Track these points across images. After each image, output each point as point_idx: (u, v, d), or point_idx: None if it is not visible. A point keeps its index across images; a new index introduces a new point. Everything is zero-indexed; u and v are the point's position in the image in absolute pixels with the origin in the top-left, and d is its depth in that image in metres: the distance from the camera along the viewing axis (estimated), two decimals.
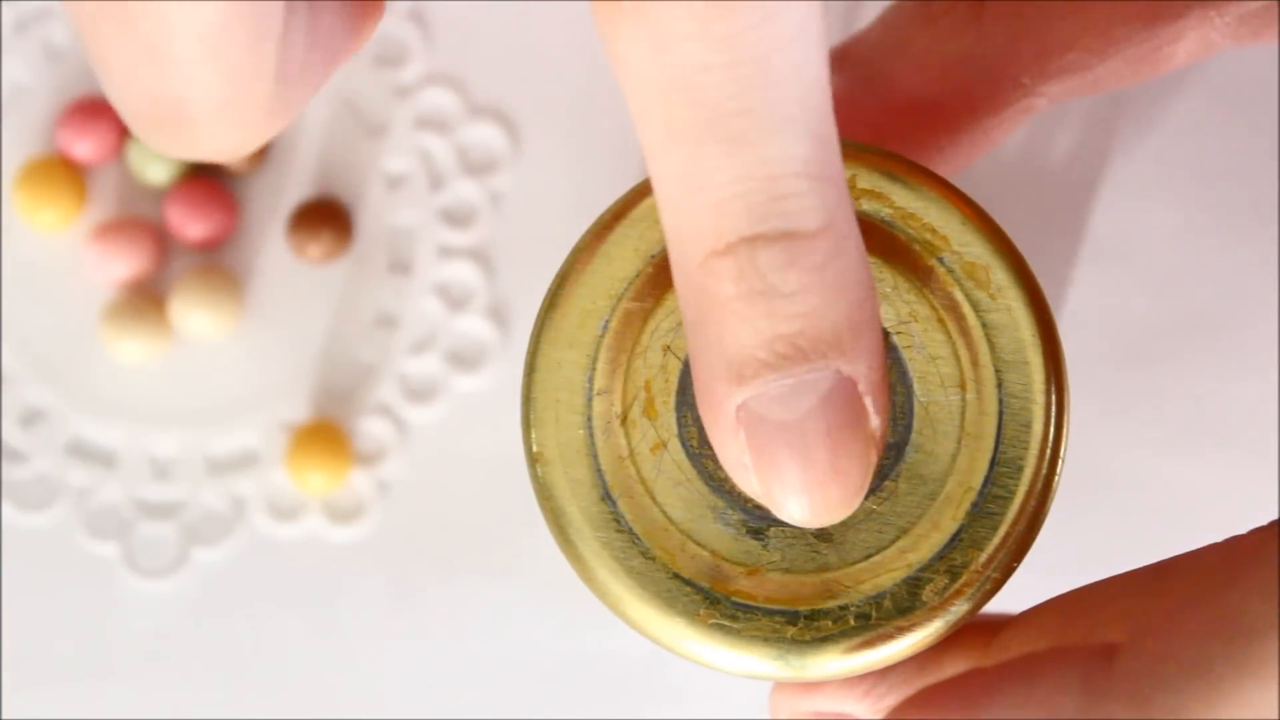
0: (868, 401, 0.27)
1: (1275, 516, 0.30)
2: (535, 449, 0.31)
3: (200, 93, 0.26)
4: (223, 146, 0.27)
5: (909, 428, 0.31)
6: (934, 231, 0.31)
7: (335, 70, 0.28)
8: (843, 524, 0.31)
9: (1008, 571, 0.31)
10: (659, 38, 0.25)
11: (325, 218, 0.46)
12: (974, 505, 0.31)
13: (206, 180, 0.46)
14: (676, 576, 0.31)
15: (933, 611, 0.31)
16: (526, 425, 0.31)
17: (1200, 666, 0.28)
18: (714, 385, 0.27)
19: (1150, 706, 0.28)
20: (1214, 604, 0.29)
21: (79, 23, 0.26)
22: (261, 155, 0.46)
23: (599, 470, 0.31)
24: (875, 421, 0.28)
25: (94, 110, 0.46)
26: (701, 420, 0.28)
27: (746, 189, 0.26)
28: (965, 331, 0.31)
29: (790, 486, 0.28)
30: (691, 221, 0.26)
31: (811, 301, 0.26)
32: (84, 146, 0.46)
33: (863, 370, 0.27)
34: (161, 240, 0.46)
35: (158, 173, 0.46)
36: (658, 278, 0.31)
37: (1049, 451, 0.31)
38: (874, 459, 0.28)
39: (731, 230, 0.26)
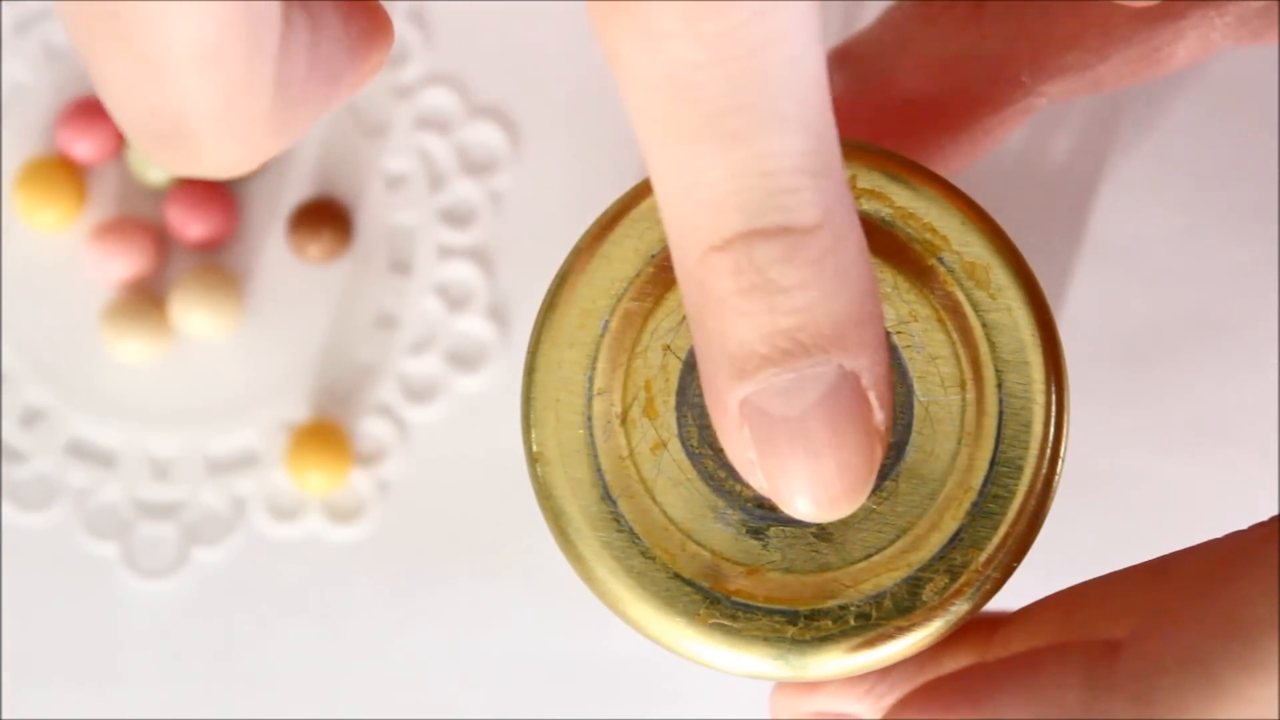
0: (871, 396, 0.27)
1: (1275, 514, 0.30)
2: (535, 449, 0.31)
3: (197, 107, 0.26)
4: (223, 162, 0.27)
5: (909, 428, 0.31)
6: (934, 231, 0.31)
7: (343, 94, 0.28)
8: (843, 523, 0.31)
9: (1008, 571, 0.31)
10: (649, 36, 0.25)
11: (325, 218, 0.46)
12: (974, 505, 0.31)
13: (206, 180, 0.46)
14: (676, 576, 0.31)
15: (933, 611, 0.31)
16: (526, 425, 0.31)
17: (1201, 664, 0.28)
18: (717, 380, 0.27)
19: (1152, 705, 0.28)
20: (1215, 601, 0.29)
21: (75, 35, 0.26)
22: None
23: (599, 470, 0.31)
24: (879, 416, 0.28)
25: (94, 110, 0.46)
26: (709, 418, 0.28)
27: (743, 185, 0.26)
28: (965, 331, 0.31)
29: (795, 482, 0.28)
30: (689, 219, 0.26)
31: (811, 296, 0.26)
32: (84, 146, 0.46)
33: (865, 365, 0.27)
34: (161, 240, 0.46)
35: (158, 173, 0.46)
36: (658, 277, 0.31)
37: (1049, 451, 0.31)
38: (879, 454, 0.28)
39: (729, 226, 0.26)
